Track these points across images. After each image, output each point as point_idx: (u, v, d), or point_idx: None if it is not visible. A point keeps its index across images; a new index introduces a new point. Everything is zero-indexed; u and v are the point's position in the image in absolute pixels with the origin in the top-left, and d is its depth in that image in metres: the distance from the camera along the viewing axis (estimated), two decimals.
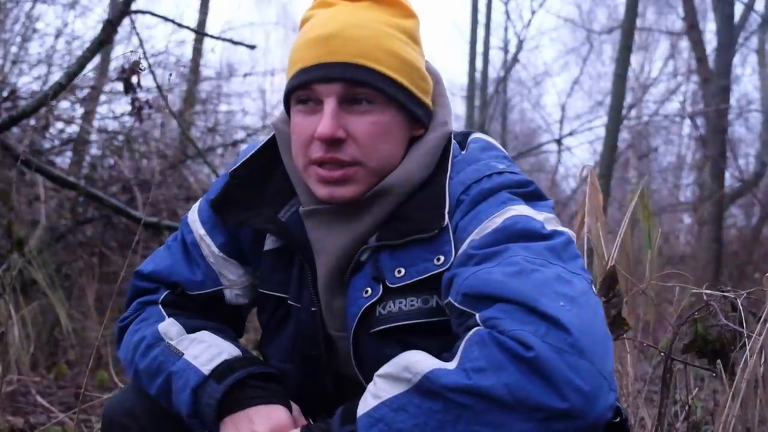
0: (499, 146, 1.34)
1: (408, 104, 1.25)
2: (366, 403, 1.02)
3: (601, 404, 0.94)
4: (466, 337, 1.01)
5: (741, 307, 1.66)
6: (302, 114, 1.25)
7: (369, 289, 1.22)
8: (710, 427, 1.95)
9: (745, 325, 1.62)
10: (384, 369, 1.04)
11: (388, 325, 1.20)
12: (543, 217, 1.16)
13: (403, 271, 1.20)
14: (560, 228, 1.16)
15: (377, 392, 1.02)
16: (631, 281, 1.95)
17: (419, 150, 1.27)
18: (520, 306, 0.99)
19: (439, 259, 1.18)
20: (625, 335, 1.81)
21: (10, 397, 2.90)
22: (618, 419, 1.14)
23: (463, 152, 1.29)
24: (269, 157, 1.36)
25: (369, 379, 1.07)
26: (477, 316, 1.03)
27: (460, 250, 1.15)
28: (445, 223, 1.19)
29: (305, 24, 1.29)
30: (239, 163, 1.36)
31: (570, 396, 0.92)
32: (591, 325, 0.99)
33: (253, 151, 1.37)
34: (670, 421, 1.84)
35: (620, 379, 1.98)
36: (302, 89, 1.23)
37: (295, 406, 1.24)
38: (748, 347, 1.57)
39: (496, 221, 1.14)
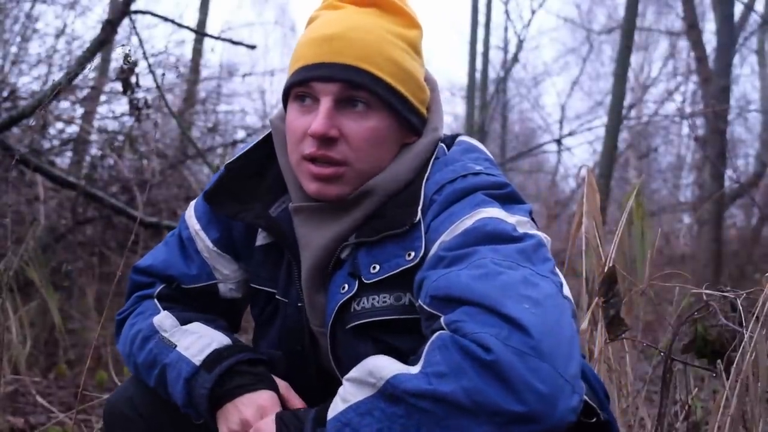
0: (483, 149, 1.35)
1: (403, 112, 1.27)
2: (335, 407, 1.04)
3: (561, 407, 0.93)
4: (430, 341, 1.01)
5: (741, 307, 1.66)
6: (298, 110, 1.27)
7: (346, 285, 1.24)
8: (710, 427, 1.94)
9: (744, 325, 1.62)
10: (351, 373, 1.06)
11: (360, 321, 1.22)
12: (515, 220, 1.16)
13: (377, 267, 1.21)
14: (532, 231, 1.16)
15: (345, 396, 1.04)
16: (629, 281, 1.95)
17: (408, 154, 1.29)
18: (484, 308, 0.99)
19: (410, 255, 1.19)
20: (624, 335, 1.80)
21: (10, 397, 2.90)
22: (595, 420, 1.14)
23: (446, 155, 1.30)
24: (265, 153, 1.38)
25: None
26: (442, 318, 1.03)
27: (431, 252, 1.15)
28: (417, 219, 1.21)
29: (311, 23, 1.31)
30: (234, 157, 1.39)
31: (528, 399, 0.92)
32: (555, 328, 0.98)
33: (249, 146, 1.40)
34: (670, 421, 1.84)
35: (620, 379, 1.97)
36: (301, 86, 1.25)
37: (283, 383, 1.27)
38: (740, 346, 1.57)
39: (466, 223, 1.14)
